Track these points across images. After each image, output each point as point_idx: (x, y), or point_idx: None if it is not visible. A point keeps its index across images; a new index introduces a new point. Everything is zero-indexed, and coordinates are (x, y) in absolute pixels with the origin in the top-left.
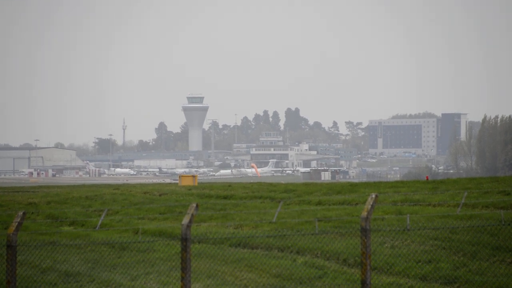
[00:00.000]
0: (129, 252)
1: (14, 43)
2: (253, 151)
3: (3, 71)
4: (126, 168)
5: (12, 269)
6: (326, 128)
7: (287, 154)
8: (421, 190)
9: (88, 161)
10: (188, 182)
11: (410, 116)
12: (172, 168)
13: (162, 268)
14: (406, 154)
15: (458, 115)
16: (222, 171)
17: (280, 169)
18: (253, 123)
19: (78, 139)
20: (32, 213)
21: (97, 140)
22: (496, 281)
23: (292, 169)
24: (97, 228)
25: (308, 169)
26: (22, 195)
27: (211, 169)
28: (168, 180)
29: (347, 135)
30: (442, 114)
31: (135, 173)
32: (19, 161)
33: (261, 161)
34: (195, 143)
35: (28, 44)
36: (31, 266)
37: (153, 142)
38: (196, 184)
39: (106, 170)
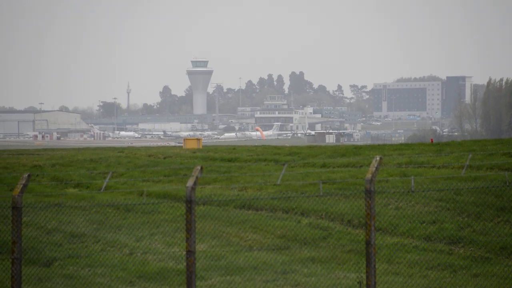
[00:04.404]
0: (134, 214)
1: (20, 7)
2: (258, 115)
3: (9, 34)
4: (131, 131)
5: (17, 230)
6: (331, 92)
7: (291, 118)
8: (425, 152)
9: (92, 124)
10: (192, 145)
11: (415, 79)
12: (176, 131)
13: (167, 229)
14: (411, 117)
15: (463, 78)
16: (227, 134)
17: (291, 132)
18: (257, 87)
19: (83, 102)
20: (37, 175)
21: (101, 104)
22: (500, 241)
23: (303, 132)
24: (102, 190)
25: (313, 132)
26: (27, 157)
27: (216, 132)
28: (172, 143)
29: (351, 98)
30: (447, 77)
31: (139, 136)
32: (24, 124)
33: (266, 125)
34: (199, 106)
35: (34, 8)
36: (36, 227)
37: (158, 106)
38: (201, 147)
39: (110, 133)
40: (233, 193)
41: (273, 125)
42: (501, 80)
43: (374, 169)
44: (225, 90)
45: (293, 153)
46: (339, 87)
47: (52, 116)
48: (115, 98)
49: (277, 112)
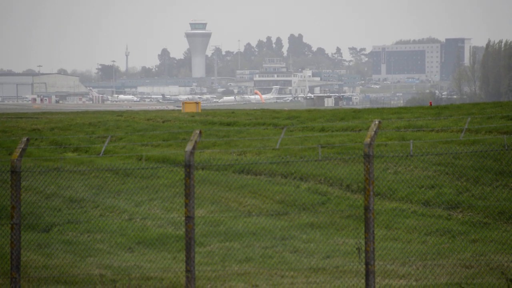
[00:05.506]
0: (133, 179)
1: None
2: (256, 78)
3: None
4: (129, 95)
5: (16, 195)
6: (330, 54)
7: (290, 81)
8: (424, 116)
9: (91, 88)
10: (191, 109)
11: (414, 42)
12: (175, 95)
13: (166, 194)
14: (410, 80)
15: (462, 40)
16: (226, 98)
17: (291, 95)
18: (256, 50)
19: (81, 65)
20: (36, 139)
21: (100, 67)
22: (498, 206)
23: (303, 95)
24: (100, 154)
25: (312, 95)
26: (26, 121)
27: (214, 96)
28: (171, 107)
29: (350, 61)
30: (446, 39)
31: (138, 99)
32: (22, 87)
33: (265, 88)
34: (198, 69)
35: None
36: (35, 191)
37: (156, 69)
38: (200, 111)
39: (109, 97)
40: (232, 157)
41: (272, 88)
42: (500, 42)
43: (373, 133)
44: (223, 53)
45: (292, 116)
46: (338, 49)
47: (51, 79)
48: (113, 61)
49: (276, 75)
